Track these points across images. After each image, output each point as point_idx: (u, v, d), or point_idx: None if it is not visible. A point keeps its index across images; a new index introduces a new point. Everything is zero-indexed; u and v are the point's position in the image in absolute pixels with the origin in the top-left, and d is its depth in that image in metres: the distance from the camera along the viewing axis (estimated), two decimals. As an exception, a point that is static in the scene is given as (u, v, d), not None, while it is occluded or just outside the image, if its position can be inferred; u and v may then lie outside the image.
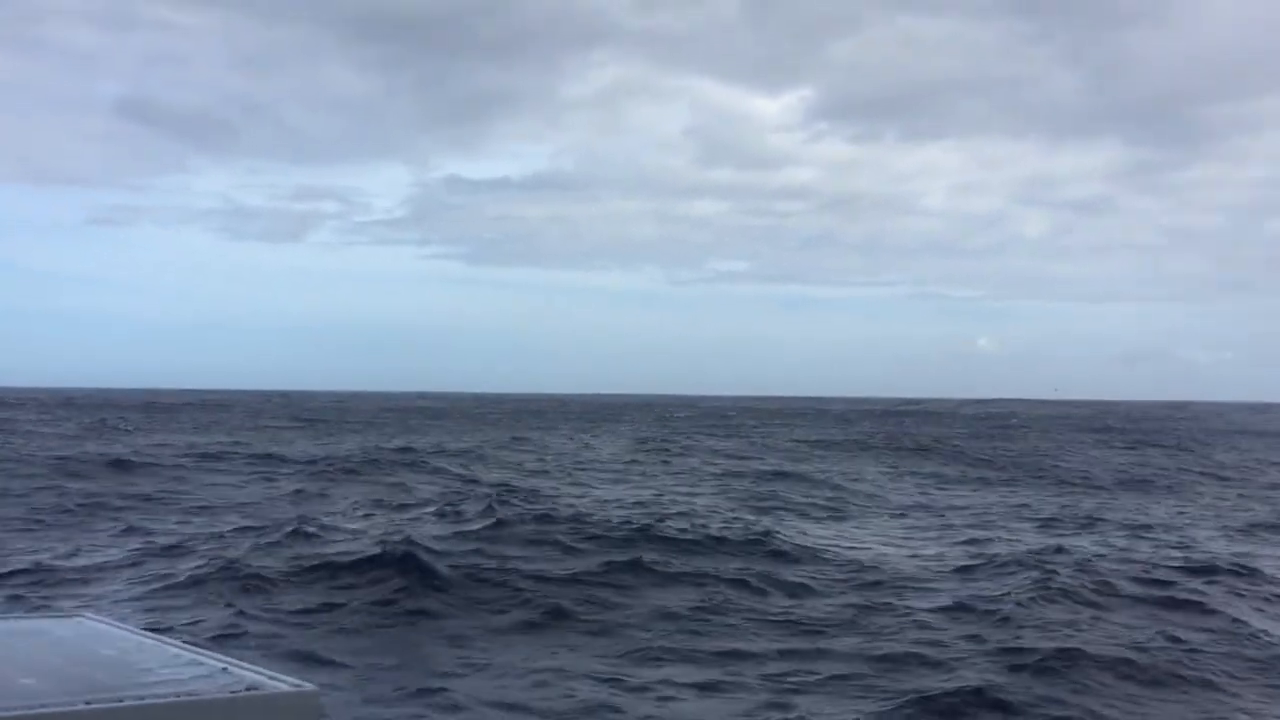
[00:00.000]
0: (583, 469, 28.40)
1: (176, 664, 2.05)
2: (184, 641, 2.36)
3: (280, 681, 1.98)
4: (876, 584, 12.49)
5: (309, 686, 1.96)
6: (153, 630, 2.51)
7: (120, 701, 1.76)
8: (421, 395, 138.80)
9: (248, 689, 1.91)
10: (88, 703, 1.75)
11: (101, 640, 2.23)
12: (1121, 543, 15.68)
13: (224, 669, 2.05)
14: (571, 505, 17.99)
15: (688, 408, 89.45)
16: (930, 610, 11.00)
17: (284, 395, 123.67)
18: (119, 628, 2.35)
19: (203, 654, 2.19)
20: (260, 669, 2.06)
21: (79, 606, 6.91)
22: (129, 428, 43.95)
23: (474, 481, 22.89)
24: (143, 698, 1.80)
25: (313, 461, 27.71)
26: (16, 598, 10.48)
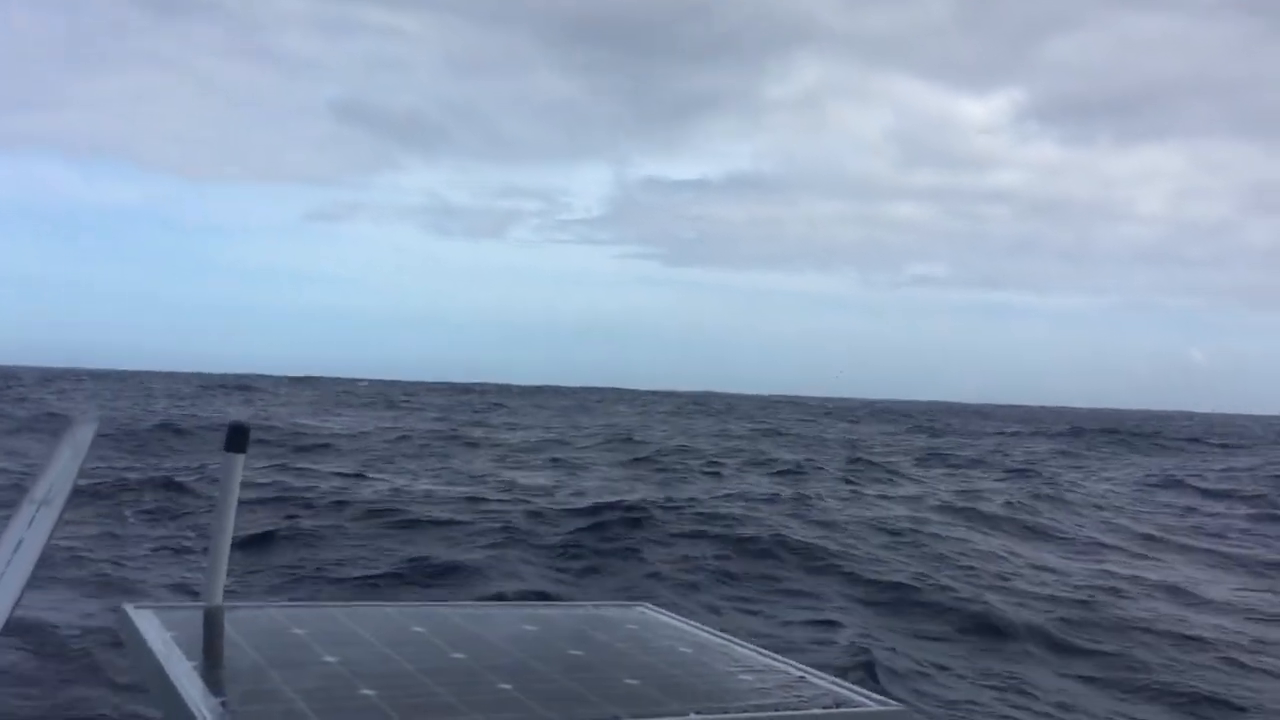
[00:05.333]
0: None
1: (751, 668, 1.97)
2: (746, 641, 2.17)
3: (865, 697, 1.81)
4: None
5: (898, 706, 1.82)
6: (707, 626, 2.27)
7: (725, 713, 1.70)
8: (619, 391, 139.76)
9: (836, 705, 1.78)
10: (697, 712, 1.69)
11: (671, 635, 2.19)
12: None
13: (801, 678, 1.92)
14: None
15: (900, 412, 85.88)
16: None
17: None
18: (681, 622, 2.30)
19: (774, 658, 2.05)
20: (838, 680, 1.91)
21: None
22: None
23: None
24: (743, 709, 1.73)
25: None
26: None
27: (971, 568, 12.71)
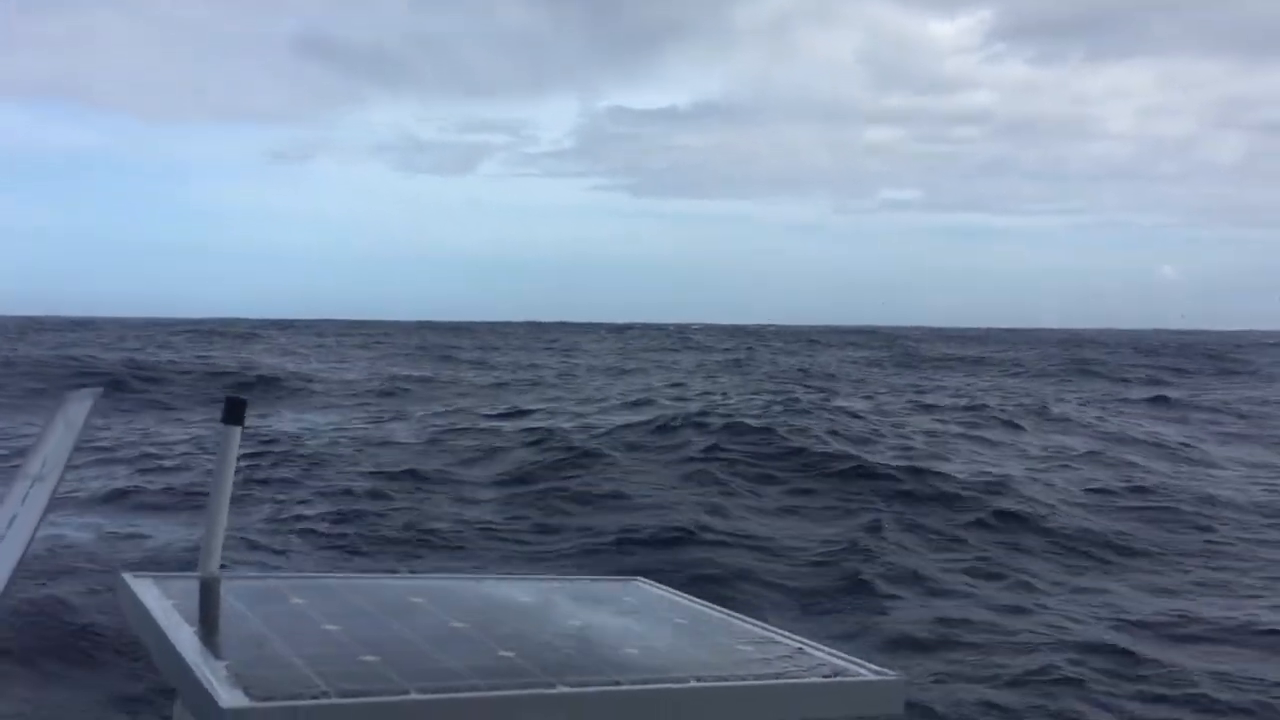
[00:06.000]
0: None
1: (749, 640, 1.98)
2: (738, 614, 2.21)
3: (860, 667, 1.83)
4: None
5: (893, 675, 1.80)
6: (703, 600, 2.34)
7: (725, 681, 1.71)
8: (601, 325, 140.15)
9: (835, 674, 1.79)
10: (697, 680, 1.69)
11: (668, 608, 2.21)
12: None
13: (799, 649, 1.93)
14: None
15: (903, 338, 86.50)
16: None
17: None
18: (677, 595, 2.32)
19: (772, 630, 2.05)
20: (834, 651, 1.92)
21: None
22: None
23: None
24: (743, 677, 1.74)
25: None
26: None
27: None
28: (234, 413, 2.15)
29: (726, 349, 59.18)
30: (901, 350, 58.12)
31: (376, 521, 11.17)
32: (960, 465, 15.09)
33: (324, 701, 1.43)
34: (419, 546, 10.43)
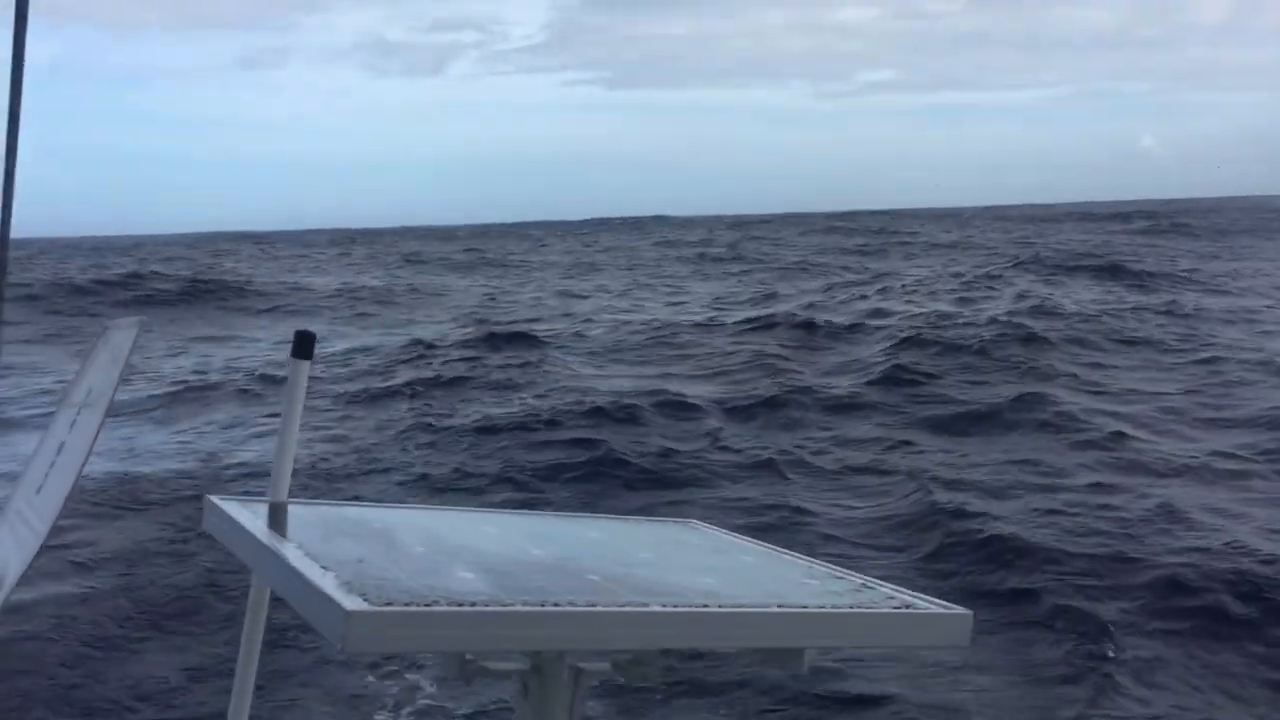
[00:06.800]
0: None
1: (814, 576, 2.02)
2: (800, 553, 2.24)
3: (926, 601, 1.87)
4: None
5: (960, 610, 1.83)
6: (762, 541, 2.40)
7: (807, 608, 1.76)
8: (601, 221, 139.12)
9: (905, 607, 1.83)
10: (780, 606, 1.75)
11: (731, 547, 2.27)
12: None
13: (864, 584, 1.97)
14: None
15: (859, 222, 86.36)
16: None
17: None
18: (735, 536, 2.36)
19: (834, 568, 2.09)
20: (898, 587, 1.95)
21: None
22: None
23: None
24: (822, 606, 1.80)
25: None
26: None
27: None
28: (303, 347, 2.21)
29: (706, 241, 59.50)
30: (882, 238, 58.34)
31: (382, 381, 15.39)
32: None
33: (439, 608, 1.49)
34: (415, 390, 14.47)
